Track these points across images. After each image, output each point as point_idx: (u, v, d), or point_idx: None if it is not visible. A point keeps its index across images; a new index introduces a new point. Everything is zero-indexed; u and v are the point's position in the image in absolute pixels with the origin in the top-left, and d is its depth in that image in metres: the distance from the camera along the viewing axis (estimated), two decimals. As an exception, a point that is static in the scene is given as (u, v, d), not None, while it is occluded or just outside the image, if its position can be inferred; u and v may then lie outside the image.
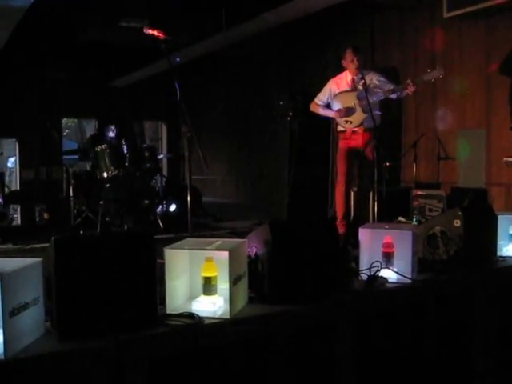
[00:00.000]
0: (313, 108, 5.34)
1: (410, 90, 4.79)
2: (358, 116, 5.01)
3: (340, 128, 5.16)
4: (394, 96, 5.00)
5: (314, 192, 7.62)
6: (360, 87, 4.89)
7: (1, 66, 9.05)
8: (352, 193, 5.21)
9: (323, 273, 2.50)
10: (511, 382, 3.29)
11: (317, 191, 7.62)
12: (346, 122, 5.06)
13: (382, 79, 5.08)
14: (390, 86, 4.97)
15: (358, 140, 5.05)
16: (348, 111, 5.04)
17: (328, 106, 5.24)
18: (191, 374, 2.10)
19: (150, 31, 3.82)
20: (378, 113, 4.89)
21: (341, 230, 4.64)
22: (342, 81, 5.17)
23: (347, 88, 5.12)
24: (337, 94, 5.14)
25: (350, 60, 5.04)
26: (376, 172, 4.56)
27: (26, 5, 6.73)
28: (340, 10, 7.35)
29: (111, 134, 7.46)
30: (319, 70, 8.31)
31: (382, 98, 4.97)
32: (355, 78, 5.04)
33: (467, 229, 3.09)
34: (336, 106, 5.16)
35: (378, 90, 4.93)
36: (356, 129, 5.03)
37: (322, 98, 5.26)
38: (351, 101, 5.04)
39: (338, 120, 5.13)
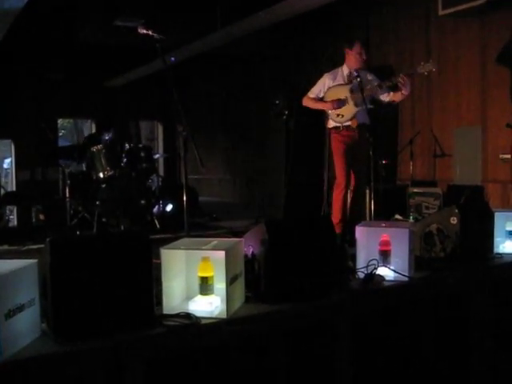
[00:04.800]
0: (305, 102, 5.25)
1: (402, 83, 4.75)
2: (350, 109, 4.96)
3: (332, 124, 5.10)
4: (384, 96, 5.00)
5: (310, 190, 7.61)
6: (355, 81, 4.87)
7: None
8: (348, 191, 5.18)
9: (320, 271, 2.49)
10: (508, 378, 3.30)
11: (313, 190, 7.62)
12: (338, 115, 5.01)
13: (374, 78, 5.07)
14: (377, 84, 4.95)
15: (352, 136, 5.01)
16: (339, 103, 4.99)
17: (321, 100, 5.17)
18: (189, 375, 2.09)
19: (144, 31, 3.81)
20: (370, 106, 4.84)
21: (337, 231, 4.60)
22: (338, 75, 5.13)
23: (342, 82, 5.10)
24: (330, 88, 5.10)
25: (357, 52, 4.96)
26: (372, 169, 4.55)
27: (18, 6, 6.70)
28: (335, 8, 7.36)
29: (107, 135, 7.44)
30: (315, 68, 8.31)
31: (374, 95, 4.97)
32: (352, 71, 5.00)
33: (464, 226, 3.09)
34: (328, 99, 5.13)
35: (369, 87, 4.92)
36: (349, 123, 4.99)
37: (315, 91, 5.19)
38: (343, 94, 4.99)
39: (330, 114, 5.08)
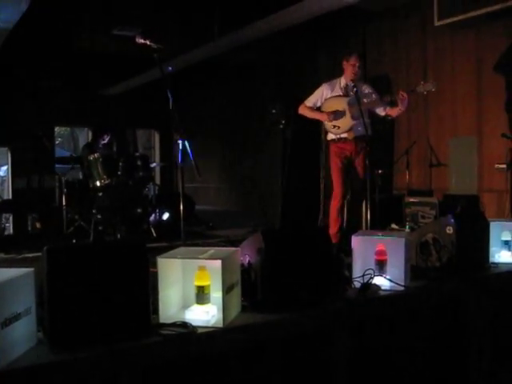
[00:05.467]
0: (301, 110, 5.26)
1: (401, 100, 4.78)
2: (347, 122, 4.98)
3: (331, 136, 5.13)
4: (380, 110, 5.03)
5: (307, 199, 7.63)
6: (352, 94, 4.89)
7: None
8: (345, 201, 5.19)
9: (316, 281, 2.50)
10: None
11: (310, 198, 7.64)
12: (334, 126, 5.03)
13: (372, 91, 5.10)
14: (376, 98, 4.99)
15: (348, 148, 5.03)
16: (336, 115, 5.01)
17: (318, 109, 5.19)
18: (185, 384, 2.09)
19: (142, 41, 3.84)
20: (367, 120, 4.88)
21: (334, 241, 4.61)
22: (336, 86, 5.15)
23: (339, 93, 5.12)
24: (328, 99, 5.12)
25: (352, 63, 5.01)
26: (368, 179, 4.56)
27: (10, 24, 6.68)
28: (332, 19, 7.39)
29: (104, 143, 7.44)
30: (311, 78, 8.35)
31: (371, 108, 5.00)
32: (349, 84, 5.04)
33: (459, 236, 3.10)
34: (325, 110, 5.14)
35: (368, 101, 4.95)
36: (345, 135, 5.01)
37: (312, 100, 5.20)
38: (341, 106, 5.01)
39: (326, 125, 5.10)
